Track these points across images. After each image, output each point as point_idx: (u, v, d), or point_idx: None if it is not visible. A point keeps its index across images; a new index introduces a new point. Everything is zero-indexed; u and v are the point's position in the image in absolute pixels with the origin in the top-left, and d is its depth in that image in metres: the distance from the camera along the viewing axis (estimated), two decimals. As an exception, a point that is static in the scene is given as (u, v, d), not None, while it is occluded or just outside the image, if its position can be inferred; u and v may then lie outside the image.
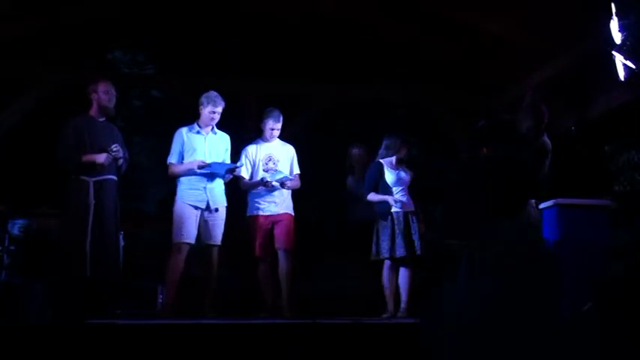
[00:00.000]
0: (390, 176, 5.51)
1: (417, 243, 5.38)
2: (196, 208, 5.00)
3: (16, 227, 5.22)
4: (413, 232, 5.40)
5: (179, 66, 6.21)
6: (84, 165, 4.61)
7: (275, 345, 3.49)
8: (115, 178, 4.74)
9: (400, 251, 5.37)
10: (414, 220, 5.43)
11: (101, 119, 4.78)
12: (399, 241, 5.38)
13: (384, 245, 5.38)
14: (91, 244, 4.55)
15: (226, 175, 5.15)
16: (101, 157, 4.63)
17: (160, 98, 6.08)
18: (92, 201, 4.56)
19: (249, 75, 6.45)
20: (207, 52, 6.26)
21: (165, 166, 5.17)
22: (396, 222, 5.42)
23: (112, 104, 4.78)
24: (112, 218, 4.68)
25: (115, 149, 4.65)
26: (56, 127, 4.76)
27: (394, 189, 5.47)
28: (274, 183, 5.25)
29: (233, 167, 5.12)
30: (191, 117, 5.26)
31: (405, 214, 5.44)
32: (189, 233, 4.96)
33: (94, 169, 4.63)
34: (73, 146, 4.62)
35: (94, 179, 4.60)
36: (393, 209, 5.43)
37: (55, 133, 4.72)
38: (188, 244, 4.95)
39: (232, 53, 6.32)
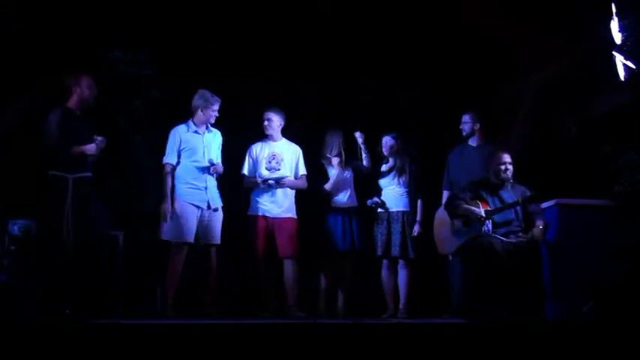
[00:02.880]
0: (382, 179, 5.62)
1: (394, 243, 5.40)
2: (197, 207, 5.01)
3: (16, 227, 5.21)
4: (393, 231, 5.44)
5: (179, 66, 6.20)
6: (69, 159, 4.58)
7: (275, 345, 3.49)
8: (90, 174, 4.71)
9: (379, 250, 5.48)
10: (397, 220, 5.45)
11: (78, 112, 4.77)
12: (378, 240, 5.47)
13: (374, 244, 5.50)
14: (73, 243, 4.51)
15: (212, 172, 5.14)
16: (91, 149, 4.62)
17: (160, 98, 6.07)
18: (70, 200, 4.53)
19: (249, 75, 6.44)
20: (207, 52, 6.25)
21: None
22: (378, 222, 5.50)
23: (92, 99, 4.77)
24: (94, 216, 4.63)
25: (99, 140, 4.64)
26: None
27: (384, 190, 5.58)
28: (270, 182, 5.25)
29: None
30: (191, 116, 5.25)
31: (389, 215, 5.48)
32: (190, 232, 4.98)
33: (75, 165, 4.59)
34: (59, 139, 4.58)
35: (73, 176, 4.57)
36: (379, 209, 5.54)
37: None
38: (188, 243, 4.96)
39: (232, 53, 6.32)
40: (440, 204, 5.40)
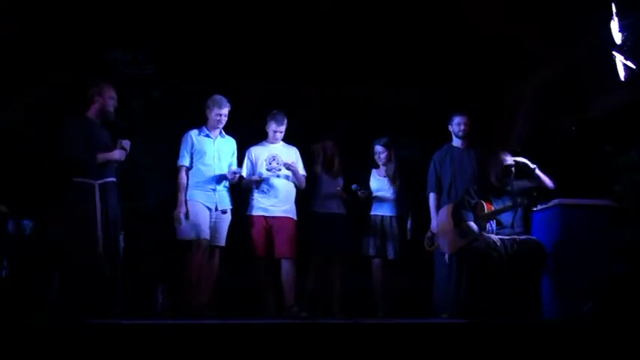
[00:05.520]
0: (373, 182, 5.67)
1: (371, 244, 5.48)
2: (207, 208, 5.05)
3: (16, 227, 5.21)
4: (376, 234, 5.53)
5: (179, 66, 6.21)
6: (95, 166, 4.60)
7: (275, 345, 3.50)
8: (115, 180, 4.74)
9: (367, 251, 5.56)
10: (389, 225, 5.48)
11: (98, 121, 4.77)
12: (365, 242, 5.56)
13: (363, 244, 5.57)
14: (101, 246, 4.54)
15: (230, 177, 5.19)
16: (116, 154, 4.63)
17: (160, 98, 6.08)
18: (99, 204, 4.56)
19: (250, 75, 6.44)
20: (207, 51, 6.26)
21: (167, 166, 5.20)
22: (372, 226, 5.57)
23: (113, 109, 4.79)
24: (115, 220, 4.67)
25: (125, 143, 4.64)
26: (56, 127, 4.75)
27: (377, 195, 5.63)
28: (272, 171, 5.25)
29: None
30: (192, 117, 5.26)
31: (382, 219, 5.51)
32: (206, 229, 5.04)
33: (99, 171, 4.61)
34: (84, 147, 4.58)
35: (99, 182, 4.59)
36: (372, 212, 5.58)
37: (55, 133, 4.70)
38: (206, 239, 5.00)
39: (232, 53, 6.32)
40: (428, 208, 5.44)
